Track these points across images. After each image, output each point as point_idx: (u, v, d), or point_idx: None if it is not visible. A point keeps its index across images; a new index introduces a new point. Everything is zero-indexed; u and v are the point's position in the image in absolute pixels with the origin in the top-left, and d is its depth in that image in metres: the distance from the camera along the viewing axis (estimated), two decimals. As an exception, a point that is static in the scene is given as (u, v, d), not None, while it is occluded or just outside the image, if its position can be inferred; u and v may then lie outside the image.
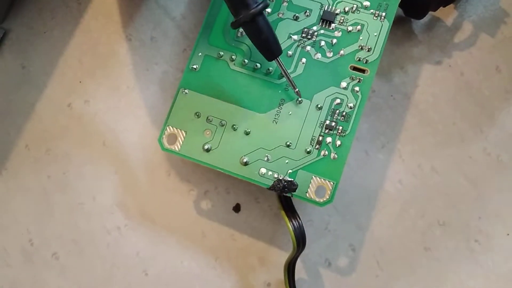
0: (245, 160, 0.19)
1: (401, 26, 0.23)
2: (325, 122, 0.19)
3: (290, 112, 0.19)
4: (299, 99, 0.19)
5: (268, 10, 0.20)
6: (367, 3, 0.20)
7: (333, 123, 0.19)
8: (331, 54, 0.20)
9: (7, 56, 0.23)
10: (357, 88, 0.19)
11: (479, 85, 0.22)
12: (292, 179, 0.19)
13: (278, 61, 0.19)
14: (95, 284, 0.21)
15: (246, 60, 0.20)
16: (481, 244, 0.21)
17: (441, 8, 0.22)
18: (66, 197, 0.22)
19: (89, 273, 0.21)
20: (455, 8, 0.23)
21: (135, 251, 0.21)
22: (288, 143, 0.19)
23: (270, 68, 0.20)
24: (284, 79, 0.20)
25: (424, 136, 0.22)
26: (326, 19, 0.20)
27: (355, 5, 0.20)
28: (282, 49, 0.19)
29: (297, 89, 0.19)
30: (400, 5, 0.20)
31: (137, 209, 0.22)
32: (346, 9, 0.20)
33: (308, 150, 0.19)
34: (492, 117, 0.22)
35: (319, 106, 0.19)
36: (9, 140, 0.23)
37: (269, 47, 0.19)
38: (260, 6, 0.18)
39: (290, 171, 0.19)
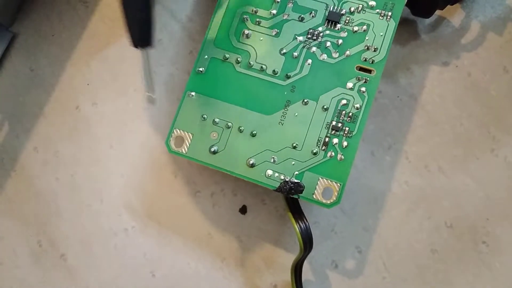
0: (251, 162, 0.19)
1: (406, 27, 0.22)
2: (331, 123, 0.19)
3: (296, 114, 0.19)
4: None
5: (274, 11, 0.20)
6: (373, 3, 0.20)
7: (340, 124, 0.19)
8: (337, 54, 0.20)
9: (16, 59, 0.24)
10: (363, 89, 0.19)
11: (486, 85, 0.22)
12: (299, 181, 0.19)
13: (145, 53, 0.16)
14: (102, 285, 0.21)
15: (251, 62, 0.20)
16: (489, 245, 0.21)
17: (448, 7, 0.21)
18: (74, 199, 0.22)
19: (96, 274, 0.22)
20: (462, 8, 0.23)
21: (142, 252, 0.22)
22: (294, 145, 0.19)
23: (276, 70, 0.20)
24: (291, 80, 0.20)
25: (431, 137, 0.22)
26: (332, 19, 0.20)
27: (360, 5, 0.20)
28: (287, 50, 0.20)
29: (149, 94, 0.17)
30: (407, 4, 0.20)
31: (144, 210, 0.22)
32: (352, 9, 0.20)
33: (314, 151, 0.19)
34: (500, 118, 0.22)
35: (325, 107, 0.19)
36: (18, 142, 0.23)
37: (141, 29, 0.16)
38: None
39: (296, 172, 0.19)
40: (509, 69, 0.22)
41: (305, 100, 0.20)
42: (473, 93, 0.22)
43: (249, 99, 0.20)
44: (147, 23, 0.16)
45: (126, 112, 0.23)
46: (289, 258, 0.21)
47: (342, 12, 0.20)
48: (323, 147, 0.19)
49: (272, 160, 0.19)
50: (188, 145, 0.20)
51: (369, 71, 0.19)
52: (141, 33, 0.16)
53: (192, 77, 0.20)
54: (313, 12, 0.20)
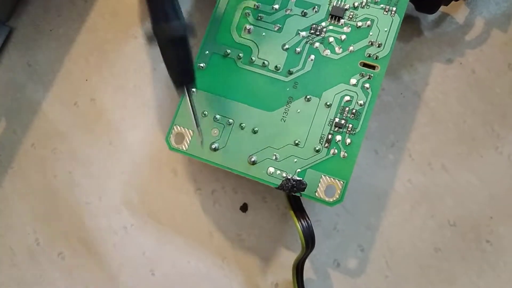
0: (253, 159, 0.19)
1: (410, 24, 0.22)
2: (334, 120, 0.19)
3: (299, 110, 0.19)
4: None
5: (276, 6, 0.20)
6: (377, -2, 0.20)
7: (343, 121, 0.19)
8: (340, 50, 0.19)
9: (13, 54, 0.23)
10: (367, 85, 0.19)
11: (491, 83, 0.22)
12: (301, 178, 0.19)
13: (187, 90, 0.17)
14: (101, 284, 0.21)
15: (253, 58, 0.20)
16: (493, 244, 0.20)
17: (452, 3, 0.21)
18: (72, 197, 0.22)
19: (95, 272, 0.21)
20: (466, 4, 0.22)
21: (142, 251, 0.21)
22: (296, 142, 0.19)
23: (278, 66, 0.20)
24: (293, 76, 0.19)
25: (434, 135, 0.21)
26: (335, 14, 0.20)
27: (364, 0, 0.20)
28: (290, 46, 0.19)
29: (199, 128, 0.18)
30: (412, 0, 0.20)
31: (143, 208, 0.22)
32: (356, 4, 0.20)
33: (317, 148, 0.19)
34: (504, 115, 0.21)
35: (328, 103, 0.19)
36: (16, 138, 0.22)
37: (180, 72, 0.17)
38: (182, 26, 0.16)
39: (298, 170, 0.19)
40: (514, 66, 0.22)
41: (308, 97, 0.19)
42: (477, 90, 0.22)
43: (250, 95, 0.19)
44: (187, 70, 0.17)
45: (126, 108, 0.22)
46: (291, 257, 0.20)
47: (345, 7, 0.20)
48: (326, 144, 0.19)
49: (274, 158, 0.19)
50: (188, 142, 0.19)
51: (373, 67, 0.19)
52: (182, 77, 0.17)
53: (193, 73, 0.20)
54: (316, 7, 0.20)
